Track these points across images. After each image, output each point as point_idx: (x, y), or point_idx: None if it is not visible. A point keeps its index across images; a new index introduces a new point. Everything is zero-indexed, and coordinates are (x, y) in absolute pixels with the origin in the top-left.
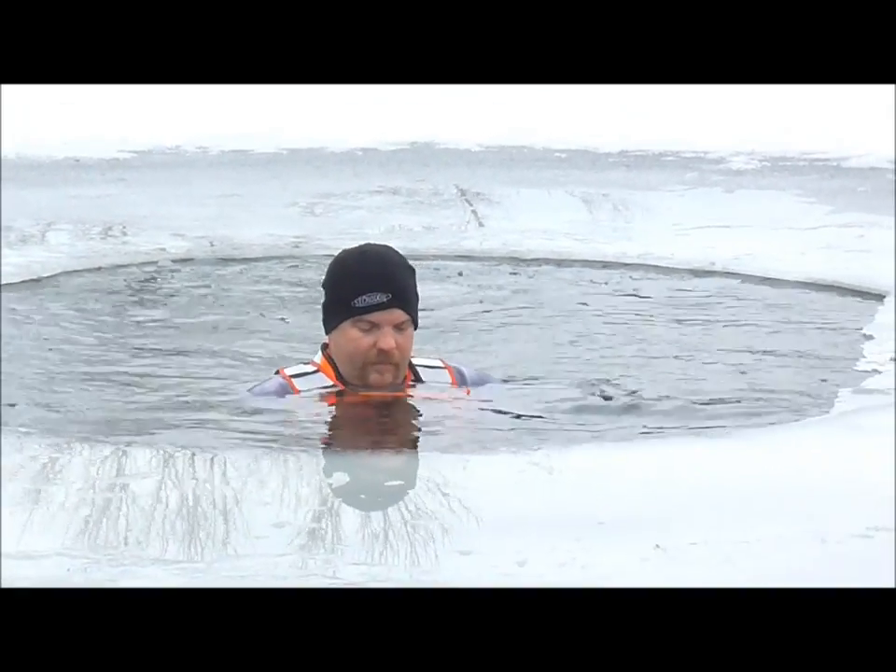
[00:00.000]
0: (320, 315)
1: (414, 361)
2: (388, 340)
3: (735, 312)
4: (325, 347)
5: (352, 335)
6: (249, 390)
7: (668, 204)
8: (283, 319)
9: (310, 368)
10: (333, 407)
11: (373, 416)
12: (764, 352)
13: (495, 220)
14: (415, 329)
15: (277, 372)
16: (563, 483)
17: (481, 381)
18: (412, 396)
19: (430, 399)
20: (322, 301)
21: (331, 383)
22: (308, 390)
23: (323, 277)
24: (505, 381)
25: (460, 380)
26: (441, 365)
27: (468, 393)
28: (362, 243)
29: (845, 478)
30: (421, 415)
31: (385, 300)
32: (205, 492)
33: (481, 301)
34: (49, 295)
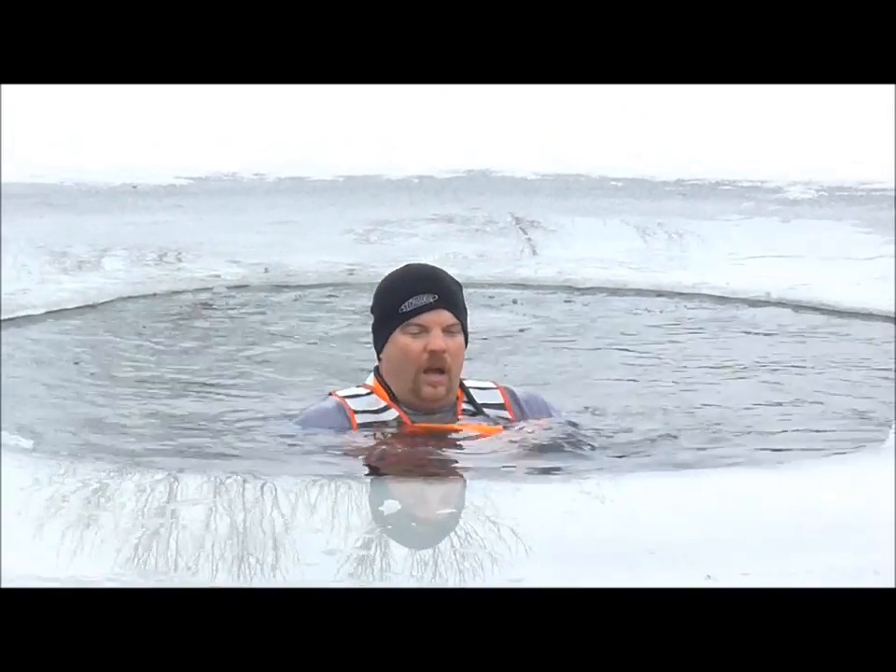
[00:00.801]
0: (368, 344)
1: (466, 383)
2: (438, 341)
3: (788, 341)
4: (376, 370)
5: (402, 342)
6: (303, 411)
7: (724, 234)
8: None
9: (362, 390)
10: (388, 436)
11: (427, 446)
12: (818, 382)
13: (550, 249)
14: (466, 343)
15: (330, 395)
16: (614, 512)
17: (533, 401)
18: (463, 427)
19: (482, 432)
20: (371, 324)
21: (385, 404)
22: (363, 410)
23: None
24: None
25: (513, 400)
26: (493, 386)
27: (515, 420)
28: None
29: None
30: (474, 445)
31: (431, 300)
32: (255, 518)
33: (520, 330)
34: (104, 321)
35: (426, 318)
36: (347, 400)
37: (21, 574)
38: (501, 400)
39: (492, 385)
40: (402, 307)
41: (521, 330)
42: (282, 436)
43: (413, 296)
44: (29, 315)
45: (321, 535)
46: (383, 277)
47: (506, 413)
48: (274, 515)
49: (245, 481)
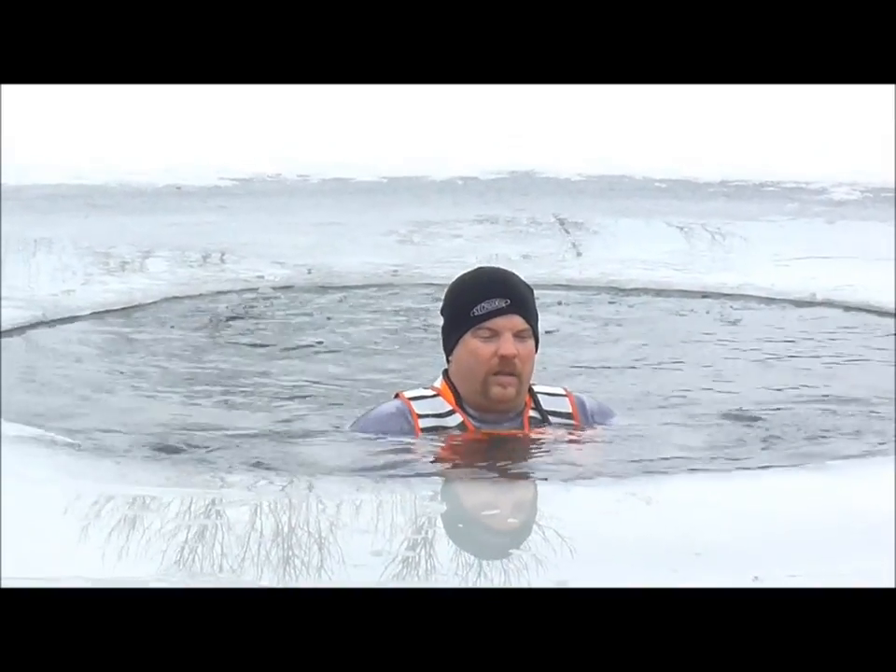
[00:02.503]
0: (432, 345)
1: (535, 388)
2: (509, 346)
3: (836, 343)
4: (445, 373)
5: (472, 346)
6: (366, 413)
7: (768, 235)
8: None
9: (429, 392)
10: (450, 441)
11: (488, 450)
12: (865, 383)
13: (594, 250)
14: (537, 348)
15: (396, 396)
16: (660, 513)
17: (601, 412)
18: (528, 434)
19: (548, 437)
20: (441, 325)
21: (450, 408)
22: (426, 414)
23: (441, 304)
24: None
25: (581, 409)
26: (563, 393)
27: (581, 428)
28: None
29: None
30: (537, 452)
31: (503, 305)
32: (301, 519)
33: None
34: (149, 321)
35: (497, 323)
36: (413, 403)
37: (66, 574)
38: (569, 409)
39: (562, 392)
40: (474, 310)
41: (547, 332)
42: (341, 440)
43: (486, 300)
44: (74, 317)
45: (368, 536)
46: (453, 279)
47: (572, 423)
48: (321, 517)
49: (291, 481)
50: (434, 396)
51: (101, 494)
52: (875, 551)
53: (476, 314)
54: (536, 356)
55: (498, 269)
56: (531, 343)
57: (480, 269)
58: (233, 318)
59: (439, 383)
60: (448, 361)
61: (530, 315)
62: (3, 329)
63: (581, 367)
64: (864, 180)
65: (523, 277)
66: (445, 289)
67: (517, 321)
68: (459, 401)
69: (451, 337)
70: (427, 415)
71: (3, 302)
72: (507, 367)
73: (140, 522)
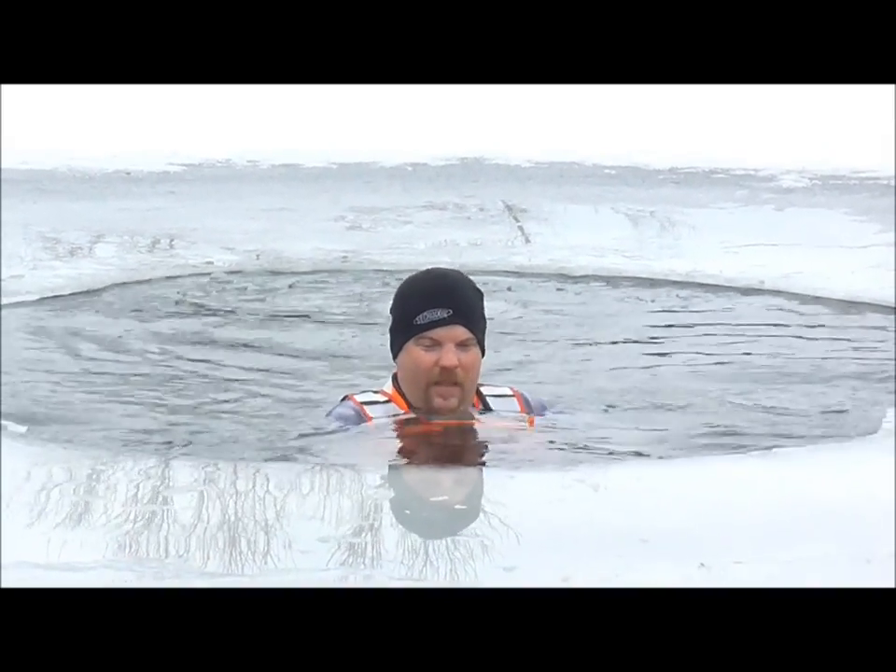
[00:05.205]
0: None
1: (483, 390)
2: (450, 357)
3: (779, 330)
4: (394, 377)
5: (414, 354)
6: (327, 415)
7: (718, 222)
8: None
9: (381, 397)
10: (400, 433)
11: (436, 441)
12: (809, 371)
13: (543, 237)
14: (483, 354)
15: (345, 398)
16: (607, 500)
17: (545, 406)
18: (479, 423)
19: (497, 426)
20: (388, 326)
21: (403, 412)
22: (381, 418)
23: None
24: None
25: (528, 407)
26: (510, 393)
27: (532, 423)
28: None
29: (890, 498)
30: (486, 442)
31: (445, 315)
32: (247, 506)
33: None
34: (98, 307)
35: (439, 333)
36: (366, 408)
37: (11, 561)
38: (517, 408)
39: (509, 392)
40: (417, 319)
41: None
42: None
43: (429, 309)
44: (22, 301)
45: (315, 522)
46: (404, 280)
47: (519, 412)
48: (267, 504)
49: (237, 468)
50: (386, 401)
51: (47, 480)
52: (821, 537)
53: (418, 322)
54: (482, 361)
55: (447, 273)
56: (475, 350)
57: (427, 273)
58: (184, 303)
59: (388, 387)
60: (395, 361)
61: (475, 324)
62: None
63: (524, 356)
64: (813, 168)
65: (472, 264)
66: (396, 280)
67: (459, 331)
68: (410, 406)
69: (396, 341)
70: (381, 419)
71: None
72: (448, 377)
73: (87, 509)
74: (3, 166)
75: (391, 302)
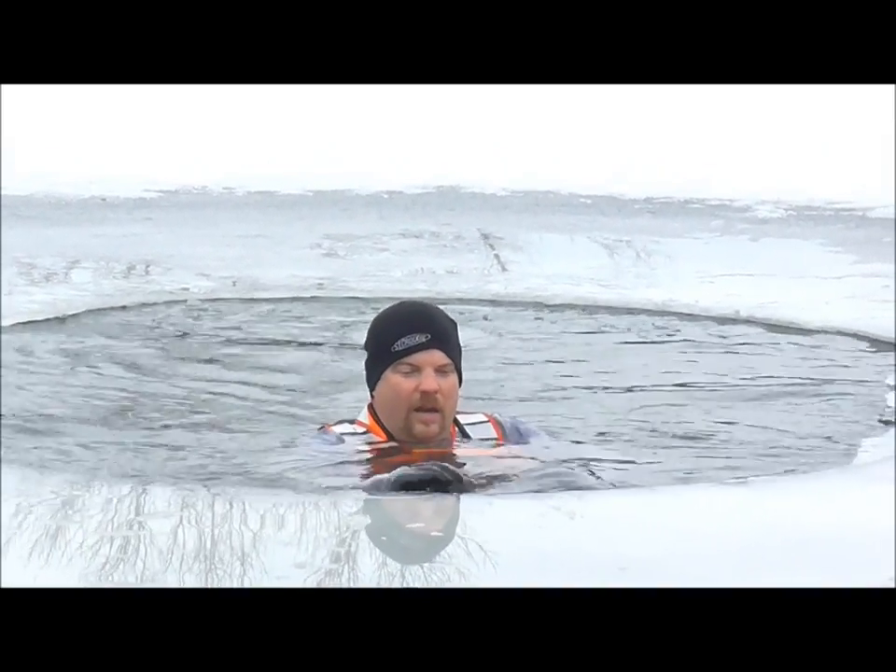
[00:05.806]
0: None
1: (459, 418)
2: (430, 381)
3: (756, 360)
4: (370, 407)
5: (394, 381)
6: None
7: (693, 252)
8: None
9: (358, 428)
10: (377, 460)
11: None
12: (785, 401)
13: (519, 265)
14: (460, 382)
15: (322, 428)
16: (584, 528)
17: (521, 430)
18: (456, 452)
19: (476, 455)
20: (364, 360)
21: (382, 441)
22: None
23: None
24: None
25: (504, 432)
26: (485, 419)
27: (510, 450)
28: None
29: (863, 529)
30: (465, 468)
31: (424, 339)
32: (224, 532)
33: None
34: (73, 333)
35: (418, 358)
36: (345, 438)
37: None
38: (494, 434)
39: (484, 419)
40: (395, 346)
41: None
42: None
43: (406, 335)
44: None
45: (291, 548)
46: (376, 314)
47: (496, 439)
48: (244, 529)
49: (215, 495)
50: (364, 432)
51: (21, 504)
52: (800, 567)
53: (397, 349)
54: (460, 389)
55: (420, 303)
56: (453, 377)
57: (401, 303)
58: (159, 330)
59: (364, 416)
60: (372, 396)
61: (452, 350)
62: None
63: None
64: (788, 198)
65: (448, 292)
66: (372, 309)
67: (438, 356)
68: (390, 436)
69: (373, 372)
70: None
71: None
72: (428, 402)
73: (61, 533)
74: None
75: (365, 338)
